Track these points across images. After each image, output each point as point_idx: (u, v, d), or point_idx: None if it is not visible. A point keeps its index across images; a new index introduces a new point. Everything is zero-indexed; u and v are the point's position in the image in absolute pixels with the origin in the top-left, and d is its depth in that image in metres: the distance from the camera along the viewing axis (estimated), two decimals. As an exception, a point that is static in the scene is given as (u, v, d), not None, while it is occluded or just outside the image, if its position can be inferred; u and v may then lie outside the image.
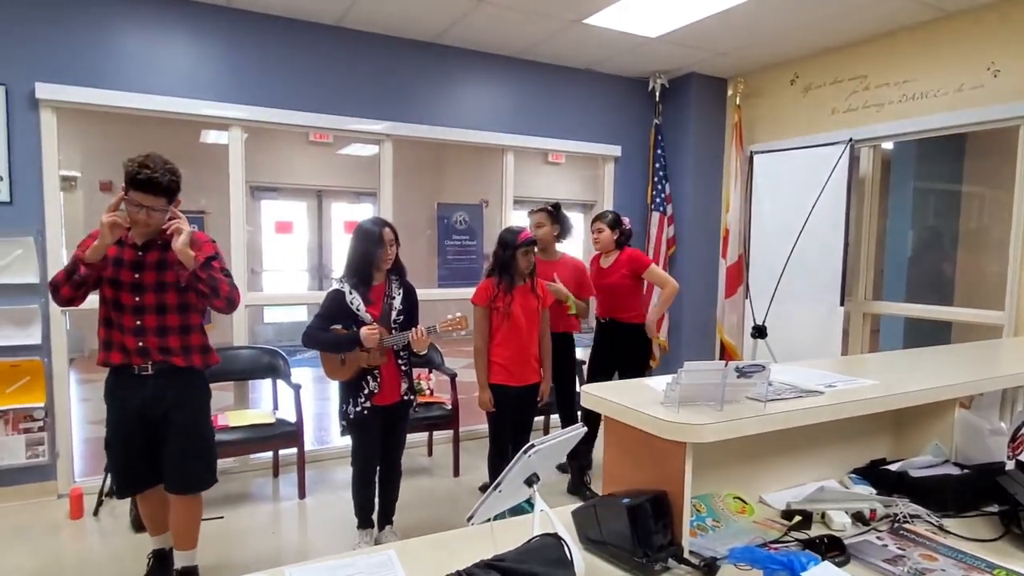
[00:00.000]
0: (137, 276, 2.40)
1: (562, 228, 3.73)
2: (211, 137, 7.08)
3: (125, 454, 2.50)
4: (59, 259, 3.58)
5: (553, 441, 1.28)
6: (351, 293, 2.86)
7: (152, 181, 2.26)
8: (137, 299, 2.40)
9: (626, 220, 3.91)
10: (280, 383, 3.99)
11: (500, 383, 3.18)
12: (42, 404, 3.50)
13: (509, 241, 3.13)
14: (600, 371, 3.82)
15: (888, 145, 4.60)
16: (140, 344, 2.40)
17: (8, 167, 3.40)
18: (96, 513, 3.43)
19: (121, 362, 2.42)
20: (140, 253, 2.41)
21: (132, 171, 2.25)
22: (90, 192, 7.52)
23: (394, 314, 2.91)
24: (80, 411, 5.39)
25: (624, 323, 3.74)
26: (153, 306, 2.42)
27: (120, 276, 2.39)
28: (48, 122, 3.49)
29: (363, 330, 2.79)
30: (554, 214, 3.71)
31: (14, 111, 3.39)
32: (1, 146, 3.37)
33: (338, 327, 2.87)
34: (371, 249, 2.86)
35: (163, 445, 2.48)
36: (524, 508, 1.35)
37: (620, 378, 3.75)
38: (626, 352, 3.77)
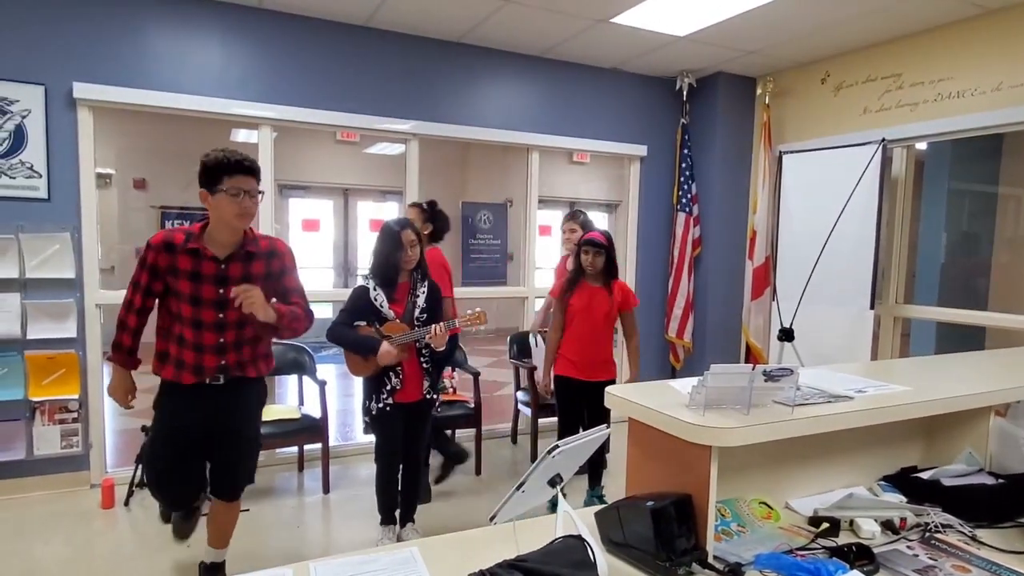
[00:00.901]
0: (221, 292, 2.22)
1: (435, 226, 3.64)
2: (241, 136, 7.19)
3: (171, 471, 2.38)
4: (94, 255, 3.67)
5: (577, 442, 1.28)
6: (375, 290, 2.90)
7: (250, 162, 2.15)
8: (220, 316, 2.24)
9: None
10: (305, 379, 4.04)
11: (563, 374, 3.33)
12: (77, 396, 3.59)
13: (581, 241, 3.34)
14: None
15: (922, 145, 4.50)
16: (222, 362, 2.28)
17: (46, 165, 3.49)
18: (127, 503, 3.51)
19: (195, 382, 2.28)
20: (223, 266, 2.22)
21: (225, 159, 2.12)
22: (124, 189, 7.70)
23: (417, 311, 2.93)
24: (113, 404, 5.51)
25: None
26: (235, 322, 2.27)
27: (201, 293, 2.21)
28: (85, 121, 3.58)
29: (383, 345, 2.82)
30: (427, 211, 3.63)
31: (52, 110, 3.49)
32: (40, 145, 3.47)
33: (363, 323, 2.91)
34: (392, 251, 2.89)
35: (214, 451, 2.39)
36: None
37: None
38: None
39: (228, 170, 2.11)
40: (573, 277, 3.31)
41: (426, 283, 3.00)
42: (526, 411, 4.25)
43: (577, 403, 3.34)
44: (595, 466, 3.48)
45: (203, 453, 2.40)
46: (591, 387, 3.26)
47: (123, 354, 2.36)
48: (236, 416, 2.37)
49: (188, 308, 2.22)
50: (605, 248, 3.24)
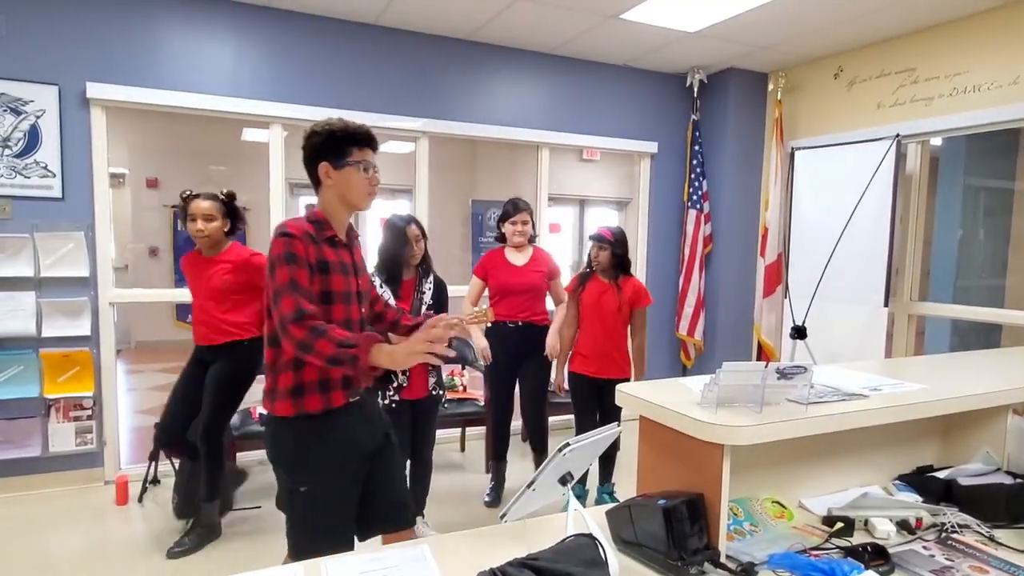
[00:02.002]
0: (359, 281, 1.92)
1: (234, 222, 3.11)
2: (251, 135, 7.23)
3: (343, 518, 1.87)
4: (108, 253, 3.71)
5: (588, 440, 1.27)
6: (381, 288, 2.90)
7: (373, 135, 1.89)
8: (364, 310, 1.93)
9: None
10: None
11: (574, 371, 3.35)
12: (91, 393, 3.63)
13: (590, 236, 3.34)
14: (509, 379, 3.56)
15: (937, 141, 4.44)
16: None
17: (61, 164, 3.52)
18: (141, 500, 3.54)
19: (344, 402, 1.84)
20: (351, 253, 1.92)
21: (356, 129, 1.85)
22: (137, 188, 7.76)
23: (424, 308, 2.94)
24: (127, 401, 5.57)
25: (540, 325, 3.50)
26: (369, 316, 1.98)
27: (350, 286, 1.87)
28: (98, 120, 3.61)
29: (392, 337, 2.81)
30: (226, 204, 3.07)
31: (66, 110, 3.52)
32: (54, 144, 3.50)
33: None
34: (398, 246, 2.90)
35: (375, 477, 1.93)
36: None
37: (527, 384, 3.55)
38: (536, 354, 3.49)
39: (358, 141, 1.84)
40: (585, 272, 3.31)
41: (431, 279, 3.00)
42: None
43: (591, 400, 3.32)
44: (607, 461, 3.46)
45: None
46: (604, 384, 3.24)
47: (364, 342, 1.67)
48: (384, 425, 2.01)
49: (342, 308, 1.83)
50: (611, 244, 3.21)
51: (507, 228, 3.52)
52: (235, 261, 3.05)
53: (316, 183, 1.88)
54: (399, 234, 2.89)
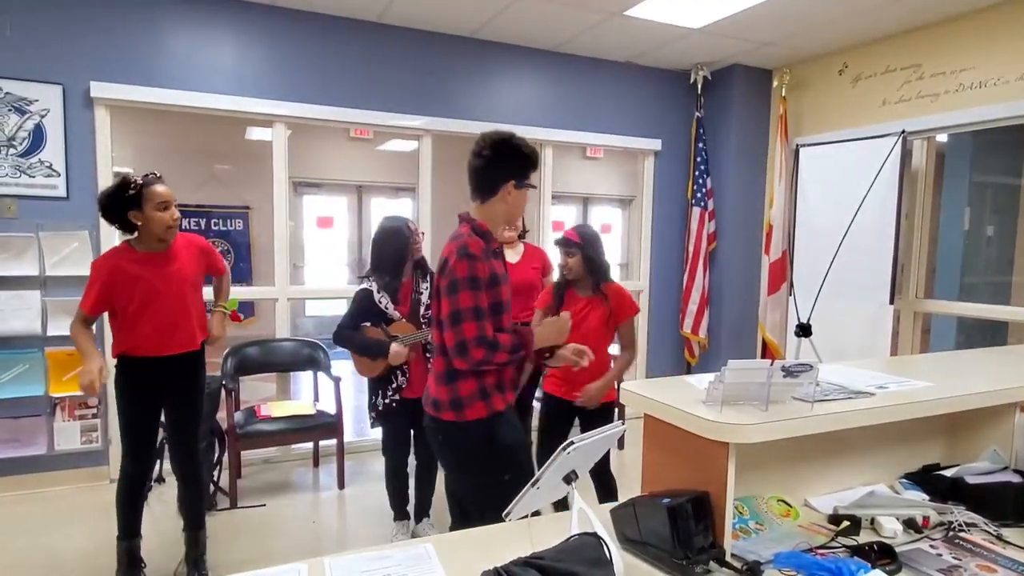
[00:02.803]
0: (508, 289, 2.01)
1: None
2: (255, 134, 7.23)
3: None
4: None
5: (591, 439, 1.27)
6: (379, 292, 2.90)
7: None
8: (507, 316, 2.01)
9: None
10: (320, 375, 4.06)
11: (551, 392, 2.88)
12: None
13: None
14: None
15: (943, 137, 4.42)
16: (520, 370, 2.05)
17: (65, 164, 3.53)
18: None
19: (513, 398, 2.02)
20: (504, 263, 2.01)
21: (534, 152, 1.94)
22: (141, 188, 7.75)
23: (422, 309, 2.94)
24: (131, 399, 5.57)
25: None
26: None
27: (509, 295, 1.99)
28: (102, 120, 3.62)
29: (392, 346, 2.84)
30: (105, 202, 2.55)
31: (70, 110, 3.52)
32: (59, 144, 3.51)
33: (367, 324, 2.92)
34: (403, 242, 2.91)
35: None
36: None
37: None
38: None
39: (535, 165, 1.96)
40: (560, 284, 2.82)
41: (428, 280, 3.00)
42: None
43: (561, 425, 2.84)
44: (605, 485, 2.87)
45: None
46: (583, 412, 2.80)
47: (525, 338, 1.92)
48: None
49: (507, 317, 1.96)
50: (579, 247, 2.68)
51: None
52: (197, 248, 2.68)
53: (488, 194, 1.93)
54: (401, 231, 2.92)
